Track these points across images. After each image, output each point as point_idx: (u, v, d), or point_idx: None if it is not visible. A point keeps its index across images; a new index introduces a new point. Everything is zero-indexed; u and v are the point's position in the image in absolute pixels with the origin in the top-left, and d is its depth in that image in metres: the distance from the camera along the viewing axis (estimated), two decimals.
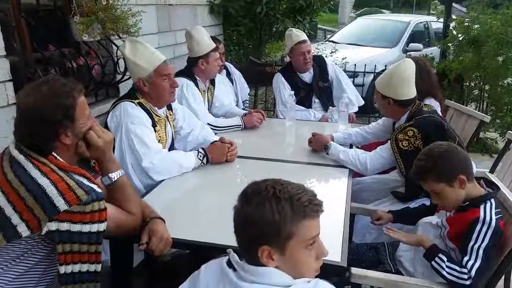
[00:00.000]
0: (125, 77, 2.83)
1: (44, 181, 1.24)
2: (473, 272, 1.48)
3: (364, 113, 5.13)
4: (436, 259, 1.55)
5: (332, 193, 2.08)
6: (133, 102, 2.09)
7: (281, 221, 0.96)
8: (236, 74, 3.75)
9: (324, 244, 1.53)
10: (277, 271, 0.98)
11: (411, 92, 2.16)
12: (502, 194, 1.69)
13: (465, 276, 1.48)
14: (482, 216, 1.53)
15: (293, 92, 3.26)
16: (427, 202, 2.00)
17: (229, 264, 1.04)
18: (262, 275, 0.97)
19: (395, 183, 2.37)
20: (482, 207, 1.56)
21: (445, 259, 1.53)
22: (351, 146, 2.60)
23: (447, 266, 1.52)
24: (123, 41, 2.69)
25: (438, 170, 1.58)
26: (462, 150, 1.65)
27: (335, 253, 1.46)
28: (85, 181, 1.31)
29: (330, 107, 3.47)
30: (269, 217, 0.95)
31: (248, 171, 2.24)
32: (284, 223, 0.96)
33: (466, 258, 1.51)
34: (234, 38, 5.88)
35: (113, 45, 2.85)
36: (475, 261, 1.49)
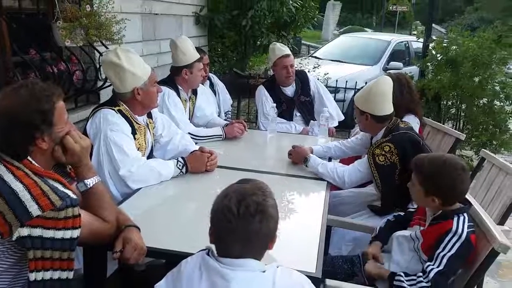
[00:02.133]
0: (106, 84, 2.81)
1: (17, 186, 1.22)
2: (431, 275, 1.56)
3: (345, 128, 5.21)
4: (396, 277, 1.64)
5: (310, 205, 2.11)
6: (113, 110, 2.07)
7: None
8: (220, 85, 3.77)
9: (300, 255, 1.56)
10: (254, 260, 1.10)
11: (388, 108, 2.22)
12: (473, 210, 1.74)
13: (422, 279, 1.57)
14: (455, 228, 1.59)
15: (275, 104, 3.30)
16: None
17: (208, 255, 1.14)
18: (242, 265, 1.09)
19: (371, 197, 2.40)
20: (455, 219, 1.62)
21: (402, 274, 1.64)
22: (330, 160, 2.64)
23: (406, 280, 1.61)
24: (107, 48, 2.69)
25: (431, 181, 1.65)
26: (467, 181, 1.66)
27: (310, 264, 1.48)
28: (60, 187, 1.29)
29: (311, 121, 3.52)
30: (276, 218, 1.12)
31: (228, 181, 2.19)
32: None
33: (428, 263, 1.59)
34: (219, 49, 5.92)
35: (95, 52, 2.84)
36: (437, 266, 1.57)
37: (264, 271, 1.10)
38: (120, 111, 2.09)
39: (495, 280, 2.86)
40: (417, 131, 2.70)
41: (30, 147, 1.33)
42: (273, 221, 1.10)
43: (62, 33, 2.45)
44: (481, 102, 4.89)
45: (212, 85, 3.63)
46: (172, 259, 1.57)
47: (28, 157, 1.32)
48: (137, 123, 2.16)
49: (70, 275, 1.32)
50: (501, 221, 2.32)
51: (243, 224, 1.06)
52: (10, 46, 2.49)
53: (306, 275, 1.39)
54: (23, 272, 1.29)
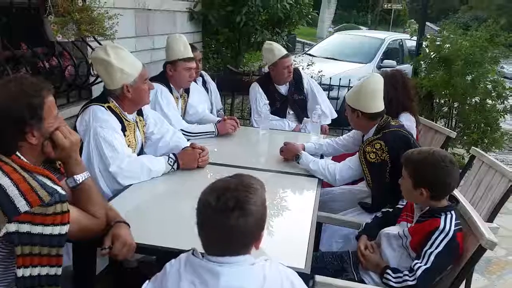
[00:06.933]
0: (98, 80, 2.80)
1: (5, 181, 1.21)
2: (418, 273, 1.58)
3: (338, 126, 5.22)
4: (384, 275, 1.67)
5: (301, 201, 2.12)
6: (103, 106, 2.06)
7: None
8: (212, 83, 3.76)
9: (290, 251, 1.56)
10: (241, 256, 1.10)
11: (378, 105, 2.23)
12: (462, 207, 1.76)
13: (408, 278, 1.59)
14: (442, 226, 1.61)
15: (268, 101, 3.30)
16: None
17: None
18: (229, 261, 1.08)
19: (363, 194, 2.42)
20: (442, 218, 1.64)
21: (389, 271, 1.66)
22: (322, 157, 2.65)
23: (393, 277, 1.64)
24: (100, 44, 2.67)
25: (419, 171, 1.66)
26: (455, 174, 1.67)
27: (299, 260, 1.49)
28: (49, 182, 1.29)
29: (305, 118, 3.53)
30: (258, 216, 1.08)
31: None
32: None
33: (416, 261, 1.61)
34: (213, 46, 5.90)
35: (88, 47, 2.82)
36: (425, 264, 1.59)
37: (252, 264, 1.10)
38: (109, 108, 2.08)
39: (484, 277, 2.89)
40: (414, 129, 2.72)
41: (19, 142, 1.32)
42: (253, 218, 1.06)
43: (54, 27, 2.43)
44: (473, 100, 4.92)
45: (204, 83, 3.61)
46: (163, 255, 1.58)
47: (17, 152, 1.31)
48: (126, 120, 2.15)
49: (59, 271, 1.32)
50: (490, 218, 2.34)
51: (221, 218, 1.04)
52: (1, 41, 2.46)
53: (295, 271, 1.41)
54: (9, 269, 1.29)
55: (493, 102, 4.82)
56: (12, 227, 1.20)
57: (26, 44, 2.61)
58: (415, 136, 2.70)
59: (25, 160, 1.32)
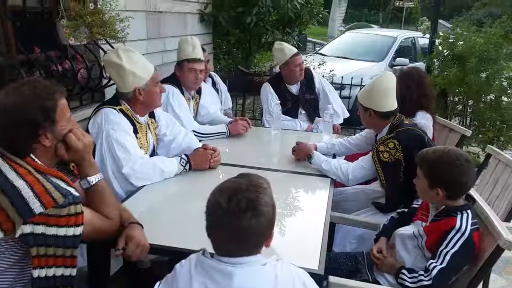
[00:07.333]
0: (111, 82, 2.82)
1: (20, 183, 1.23)
2: (434, 272, 1.55)
3: (350, 125, 5.19)
4: (400, 275, 1.64)
5: (314, 202, 2.10)
6: (115, 109, 2.08)
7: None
8: (222, 84, 3.76)
9: (303, 252, 1.55)
10: (261, 256, 1.11)
11: (391, 104, 2.20)
12: (479, 206, 1.73)
13: (423, 277, 1.57)
14: (458, 225, 1.58)
15: (279, 101, 3.29)
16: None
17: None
18: (241, 262, 1.08)
19: (376, 194, 2.39)
20: (459, 217, 1.61)
21: (405, 272, 1.64)
22: (334, 156, 2.63)
23: (409, 277, 1.62)
24: (112, 47, 2.69)
25: (434, 170, 1.64)
26: (471, 173, 1.64)
27: (313, 261, 1.48)
28: (62, 184, 1.30)
29: (316, 118, 3.51)
30: (269, 216, 1.08)
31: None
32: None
33: (431, 260, 1.59)
34: (224, 47, 5.91)
35: (100, 50, 2.85)
36: (440, 264, 1.56)
37: (264, 264, 1.10)
38: (121, 110, 2.10)
39: (502, 277, 2.83)
40: (430, 128, 2.68)
41: (33, 145, 1.34)
42: (265, 219, 1.05)
43: (66, 31, 2.46)
44: (488, 98, 4.83)
45: (214, 84, 3.62)
46: (176, 256, 1.58)
47: (31, 155, 1.33)
48: (138, 122, 2.17)
49: (73, 272, 1.33)
50: (508, 218, 2.29)
51: (233, 220, 1.04)
52: (15, 45, 2.50)
53: (308, 272, 1.40)
54: (26, 269, 1.30)
55: (509, 99, 4.72)
56: (27, 228, 1.21)
57: (40, 48, 2.65)
58: (431, 135, 2.67)
59: (39, 162, 1.33)
